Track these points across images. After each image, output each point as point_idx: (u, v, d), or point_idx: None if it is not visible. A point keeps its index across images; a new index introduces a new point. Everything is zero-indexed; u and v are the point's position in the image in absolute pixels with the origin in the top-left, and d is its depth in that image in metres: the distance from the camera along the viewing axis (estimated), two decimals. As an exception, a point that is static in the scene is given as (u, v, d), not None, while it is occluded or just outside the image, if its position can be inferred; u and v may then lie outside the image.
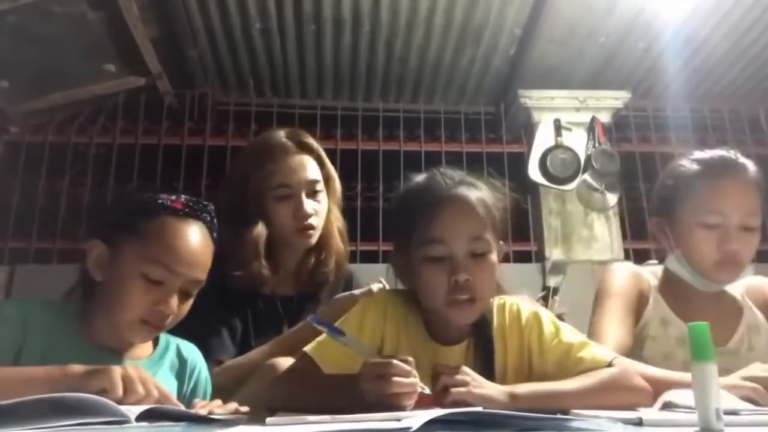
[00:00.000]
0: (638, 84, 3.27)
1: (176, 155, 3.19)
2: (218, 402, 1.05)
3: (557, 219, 3.08)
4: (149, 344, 1.18)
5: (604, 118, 3.18)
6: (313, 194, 1.50)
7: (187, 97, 3.26)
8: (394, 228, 1.15)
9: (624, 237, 3.09)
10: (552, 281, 2.81)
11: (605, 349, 1.10)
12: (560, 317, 1.22)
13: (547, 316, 1.12)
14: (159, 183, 3.08)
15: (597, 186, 3.07)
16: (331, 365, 1.02)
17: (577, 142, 3.14)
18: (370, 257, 2.94)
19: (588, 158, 3.07)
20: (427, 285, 1.05)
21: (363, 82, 3.29)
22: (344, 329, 0.99)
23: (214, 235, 1.17)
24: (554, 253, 3.00)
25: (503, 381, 1.01)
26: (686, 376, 0.87)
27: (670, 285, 1.37)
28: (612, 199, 3.08)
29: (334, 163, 1.61)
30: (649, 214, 1.84)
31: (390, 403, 0.84)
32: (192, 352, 1.22)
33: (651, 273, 1.41)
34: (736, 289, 1.38)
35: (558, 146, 3.12)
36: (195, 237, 1.11)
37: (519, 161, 3.24)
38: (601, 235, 3.05)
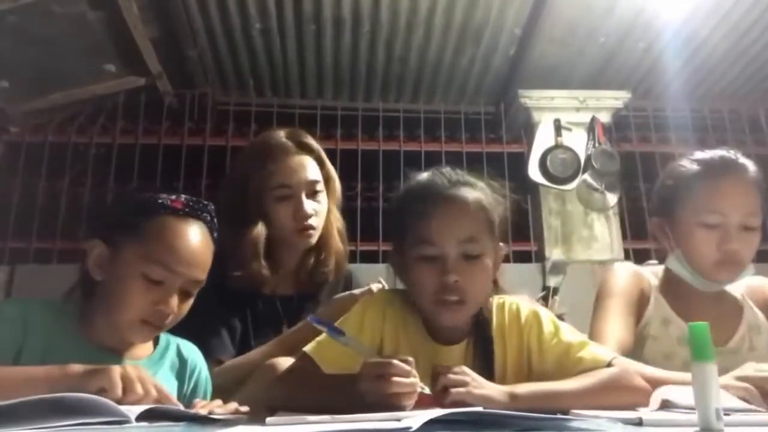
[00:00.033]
0: (638, 84, 3.27)
1: (176, 155, 3.19)
2: (218, 402, 1.05)
3: (557, 219, 3.08)
4: (149, 344, 1.18)
5: (604, 118, 3.18)
6: (313, 194, 1.50)
7: (187, 97, 3.26)
8: (392, 226, 1.16)
9: (624, 237, 3.09)
10: (552, 281, 2.81)
11: (605, 348, 1.10)
12: (560, 317, 1.22)
13: (546, 316, 1.12)
14: (159, 183, 3.08)
15: (597, 186, 3.06)
16: (331, 365, 1.02)
17: (577, 142, 3.14)
18: (370, 257, 2.93)
19: (588, 158, 3.07)
20: (417, 284, 1.06)
21: (363, 82, 3.29)
22: (344, 329, 0.99)
23: (214, 234, 1.17)
24: (554, 253, 2.99)
25: (503, 381, 1.01)
26: (686, 376, 0.87)
27: (670, 285, 1.37)
28: (612, 199, 3.08)
29: (334, 163, 1.61)
30: (649, 214, 1.84)
31: (390, 403, 0.84)
32: (192, 351, 1.22)
33: (652, 273, 1.41)
34: (737, 289, 1.38)
35: (558, 146, 3.12)
36: (195, 237, 1.11)
37: (519, 161, 3.24)
38: (601, 235, 3.05)
